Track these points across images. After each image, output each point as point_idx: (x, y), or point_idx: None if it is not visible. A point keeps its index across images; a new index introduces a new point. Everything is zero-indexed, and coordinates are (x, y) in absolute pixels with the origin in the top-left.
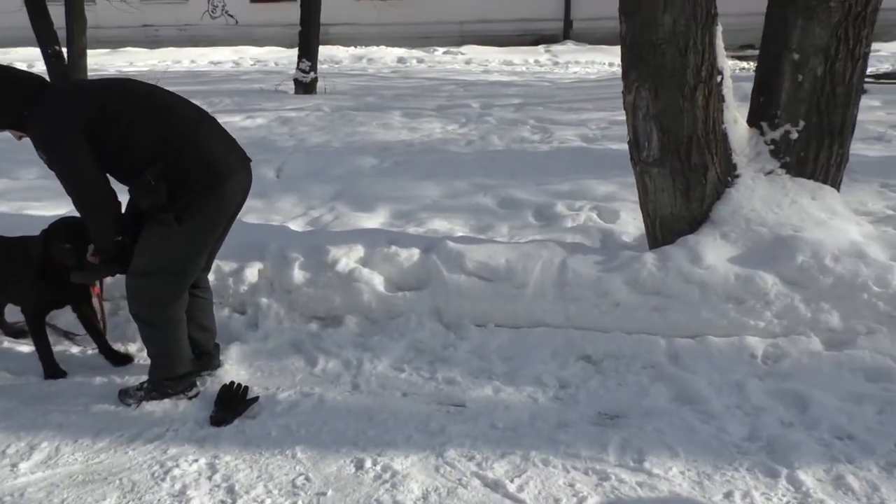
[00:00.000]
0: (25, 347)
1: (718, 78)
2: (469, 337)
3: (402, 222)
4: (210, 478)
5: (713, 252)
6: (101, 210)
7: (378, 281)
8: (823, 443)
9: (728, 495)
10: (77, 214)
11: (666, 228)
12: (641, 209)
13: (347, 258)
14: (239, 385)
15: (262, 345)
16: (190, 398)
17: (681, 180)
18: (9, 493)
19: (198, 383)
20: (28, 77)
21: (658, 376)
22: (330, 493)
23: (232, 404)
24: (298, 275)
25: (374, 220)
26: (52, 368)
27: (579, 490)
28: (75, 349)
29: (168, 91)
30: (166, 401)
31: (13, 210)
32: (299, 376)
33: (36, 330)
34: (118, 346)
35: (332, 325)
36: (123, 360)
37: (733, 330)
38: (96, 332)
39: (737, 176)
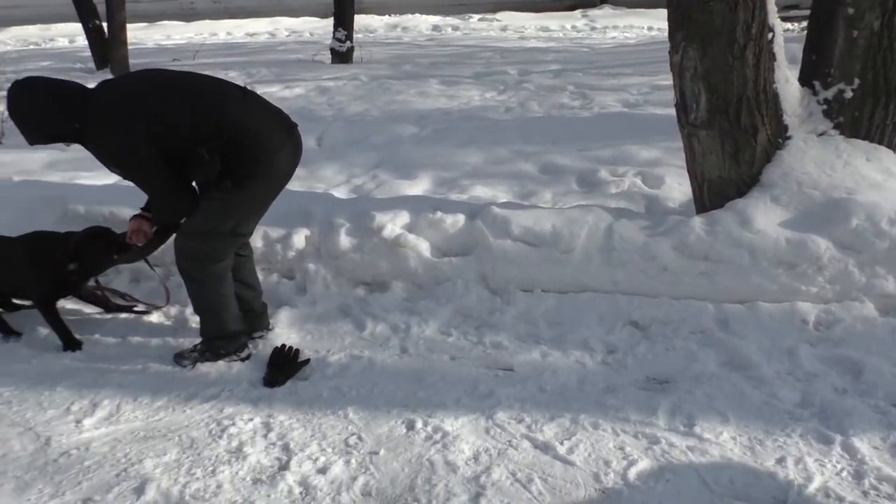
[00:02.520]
0: (86, 309)
1: (769, 35)
2: (515, 302)
3: (445, 189)
4: (265, 436)
5: (763, 216)
6: (182, 202)
7: (424, 247)
8: (879, 410)
9: (780, 461)
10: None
11: (714, 192)
12: (689, 173)
13: (393, 224)
14: (290, 348)
15: (311, 309)
16: (242, 360)
17: (730, 142)
18: (75, 446)
19: (249, 345)
20: (72, 88)
21: (707, 342)
22: (382, 452)
23: (284, 366)
24: (345, 241)
25: (416, 188)
26: (69, 341)
27: (629, 453)
28: (124, 315)
29: (205, 74)
30: (220, 363)
31: (64, 180)
32: (348, 340)
33: (49, 313)
34: (170, 309)
35: (378, 290)
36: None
37: (784, 295)
38: (99, 300)
39: (788, 137)
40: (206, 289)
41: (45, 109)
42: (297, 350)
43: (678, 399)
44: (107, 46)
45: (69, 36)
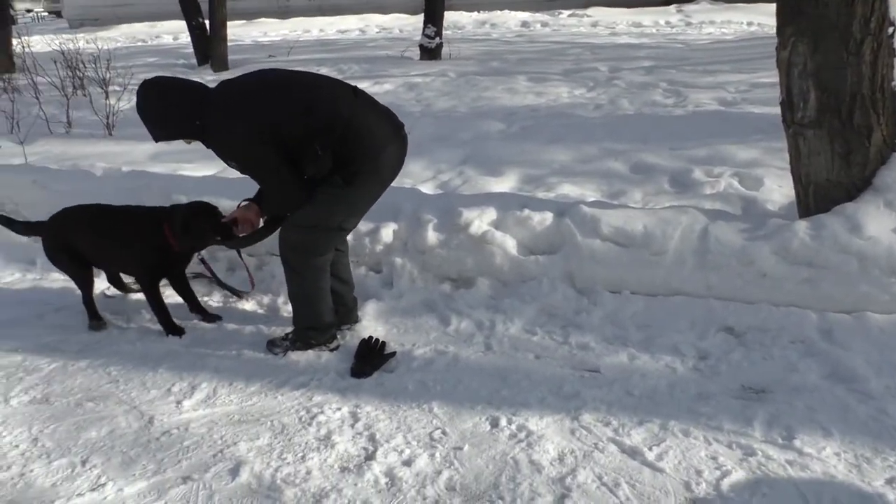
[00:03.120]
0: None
1: (890, 30)
2: (603, 303)
3: (532, 187)
4: (353, 426)
5: (876, 221)
6: (296, 197)
7: (510, 244)
8: None
9: (891, 481)
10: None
11: (820, 195)
12: (793, 175)
13: (480, 221)
14: (377, 340)
15: (397, 303)
16: (331, 350)
17: (840, 143)
18: (175, 426)
19: (338, 336)
20: (194, 87)
21: (808, 352)
22: (466, 448)
23: (370, 358)
24: (432, 236)
25: (503, 185)
26: (170, 327)
27: (723, 463)
28: (216, 304)
29: (318, 73)
30: (310, 352)
31: (169, 171)
32: (433, 334)
33: (153, 294)
34: (263, 297)
35: (464, 286)
36: (214, 318)
37: None
38: (190, 294)
39: None
40: (307, 280)
41: (170, 108)
42: (384, 343)
43: (776, 410)
44: (208, 43)
45: (174, 33)
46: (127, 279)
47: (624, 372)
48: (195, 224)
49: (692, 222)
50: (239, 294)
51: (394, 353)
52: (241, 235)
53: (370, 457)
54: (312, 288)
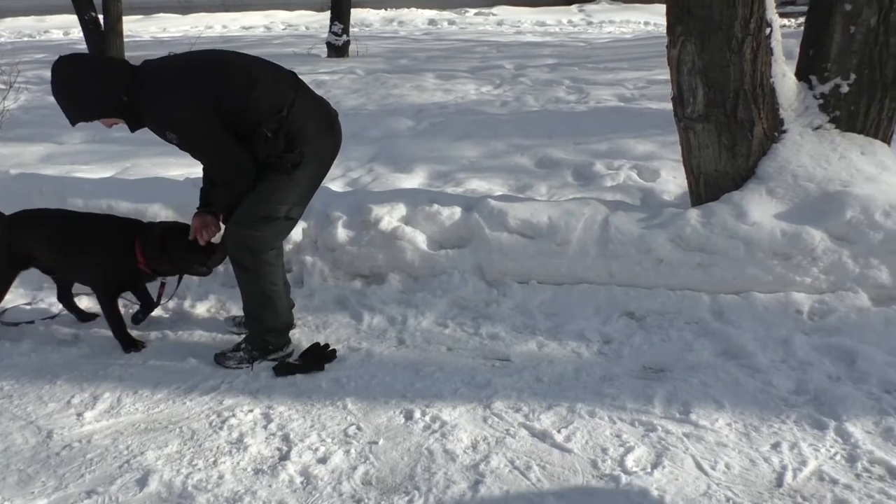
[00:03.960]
0: (80, 304)
1: (767, 31)
2: (511, 293)
3: (441, 182)
4: (265, 427)
5: (759, 208)
6: (245, 171)
7: (420, 239)
8: (872, 396)
9: (776, 446)
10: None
11: (710, 185)
12: (685, 166)
13: (390, 217)
14: (327, 345)
15: (309, 301)
16: (288, 356)
17: (726, 136)
18: (77, 439)
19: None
20: (119, 62)
21: (702, 332)
22: (381, 441)
23: (313, 361)
24: (342, 233)
25: (412, 181)
26: (128, 342)
27: (626, 440)
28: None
29: (257, 56)
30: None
31: (62, 173)
32: (346, 331)
33: (111, 309)
34: (175, 303)
35: (375, 282)
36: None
37: (779, 286)
38: (147, 303)
39: (784, 131)
40: (261, 278)
41: (91, 85)
42: (334, 350)
43: (674, 388)
44: (102, 39)
45: (64, 28)
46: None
47: (533, 359)
48: (172, 247)
49: (594, 213)
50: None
51: (332, 358)
52: (219, 251)
53: (284, 457)
54: (268, 285)
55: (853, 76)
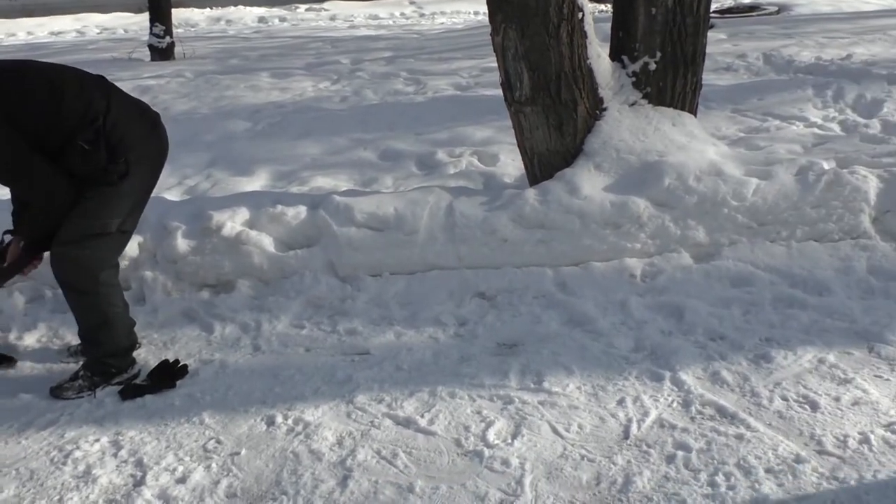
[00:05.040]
0: None
1: (580, 15)
2: (365, 287)
3: (285, 183)
4: (115, 454)
5: (589, 183)
6: (62, 196)
7: (267, 242)
8: (699, 345)
9: (621, 402)
10: None
11: (544, 164)
12: (519, 148)
13: (232, 222)
14: (177, 361)
15: (153, 318)
16: (133, 377)
17: (553, 117)
18: None
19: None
20: None
21: (549, 304)
22: (244, 451)
23: (162, 380)
24: (182, 244)
25: (254, 184)
26: None
27: (486, 416)
28: None
29: (55, 63)
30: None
31: None
32: (196, 344)
33: None
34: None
35: (224, 290)
36: (9, 361)
37: (613, 254)
38: None
39: (604, 109)
40: (99, 300)
41: None
42: (185, 365)
43: (527, 360)
44: None
45: None
46: None
47: (392, 349)
48: None
49: (438, 200)
50: None
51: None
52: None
53: (139, 482)
54: (107, 306)
55: (658, 54)
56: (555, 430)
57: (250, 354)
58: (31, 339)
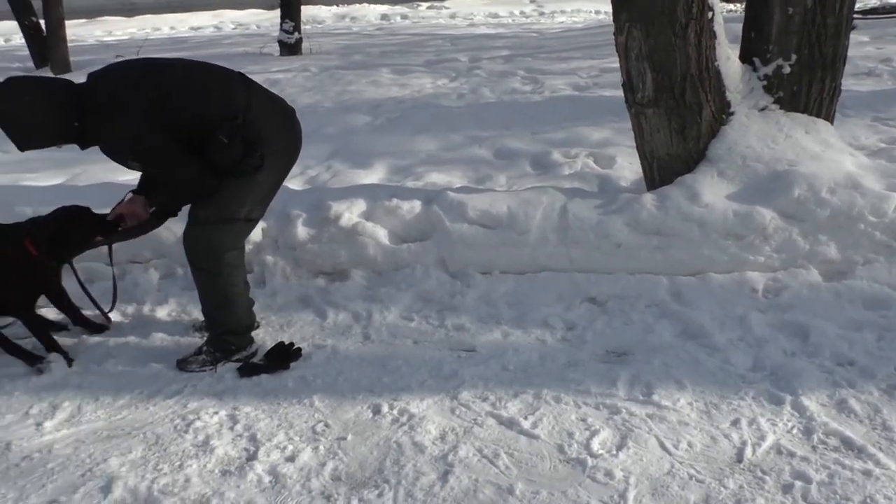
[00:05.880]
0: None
1: (709, 14)
2: (475, 284)
3: (400, 177)
4: (232, 428)
5: (711, 190)
6: (207, 187)
7: (382, 234)
8: (825, 369)
9: (735, 423)
10: None
11: (663, 169)
12: (638, 151)
13: (350, 213)
14: (291, 344)
15: (272, 301)
16: (251, 356)
17: (676, 120)
18: (36, 449)
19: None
20: (60, 83)
21: (662, 314)
22: (350, 437)
23: (278, 360)
24: (302, 231)
25: (372, 176)
26: (55, 350)
27: (591, 424)
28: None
29: (200, 60)
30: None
31: (9, 182)
32: (310, 329)
33: (30, 318)
34: (126, 307)
35: (338, 279)
36: (100, 328)
37: (734, 265)
38: (71, 306)
39: (731, 113)
40: (222, 280)
41: (39, 112)
42: (299, 347)
43: (636, 370)
44: (45, 44)
45: (5, 34)
46: None
47: (498, 348)
48: (63, 233)
49: (552, 201)
50: (100, 326)
51: (298, 356)
52: (125, 228)
53: (252, 457)
54: (229, 287)
55: (794, 57)
56: (662, 446)
57: (360, 342)
58: (162, 313)
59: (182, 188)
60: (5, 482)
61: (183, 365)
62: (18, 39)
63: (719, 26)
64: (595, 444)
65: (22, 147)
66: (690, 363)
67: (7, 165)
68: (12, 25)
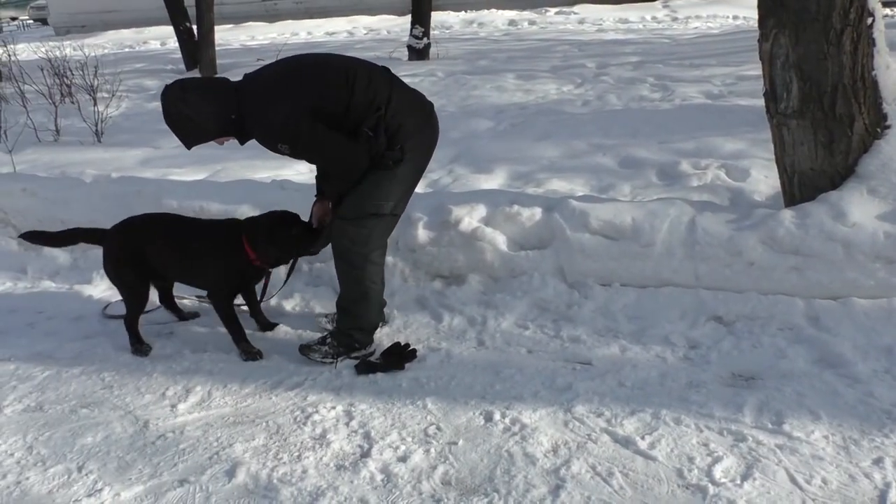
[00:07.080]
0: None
1: (869, 20)
2: (593, 296)
3: (521, 183)
4: (347, 424)
5: (860, 208)
6: (361, 161)
7: (500, 240)
8: None
9: (878, 462)
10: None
11: (805, 184)
12: (777, 165)
13: (470, 218)
14: (407, 345)
15: (390, 301)
16: (369, 355)
17: (823, 132)
18: (170, 429)
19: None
20: (220, 82)
21: (796, 338)
22: (461, 442)
23: (393, 360)
24: (422, 234)
25: (493, 182)
26: (246, 347)
27: (714, 450)
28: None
29: (347, 55)
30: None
31: (158, 176)
32: (426, 332)
33: (227, 312)
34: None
35: (455, 283)
36: (271, 325)
37: (882, 291)
38: (254, 299)
39: (887, 127)
40: (365, 275)
41: (202, 110)
42: (414, 349)
43: (766, 396)
44: (196, 48)
45: (161, 38)
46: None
47: (616, 363)
48: (281, 235)
49: (680, 214)
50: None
51: (412, 357)
52: (321, 231)
53: (365, 454)
54: (368, 284)
55: None
56: (793, 480)
57: (474, 348)
58: (288, 306)
59: (339, 164)
60: (142, 458)
61: (306, 351)
62: (172, 43)
63: (879, 33)
64: (717, 472)
65: (189, 144)
66: (827, 393)
67: (156, 160)
68: (167, 31)
